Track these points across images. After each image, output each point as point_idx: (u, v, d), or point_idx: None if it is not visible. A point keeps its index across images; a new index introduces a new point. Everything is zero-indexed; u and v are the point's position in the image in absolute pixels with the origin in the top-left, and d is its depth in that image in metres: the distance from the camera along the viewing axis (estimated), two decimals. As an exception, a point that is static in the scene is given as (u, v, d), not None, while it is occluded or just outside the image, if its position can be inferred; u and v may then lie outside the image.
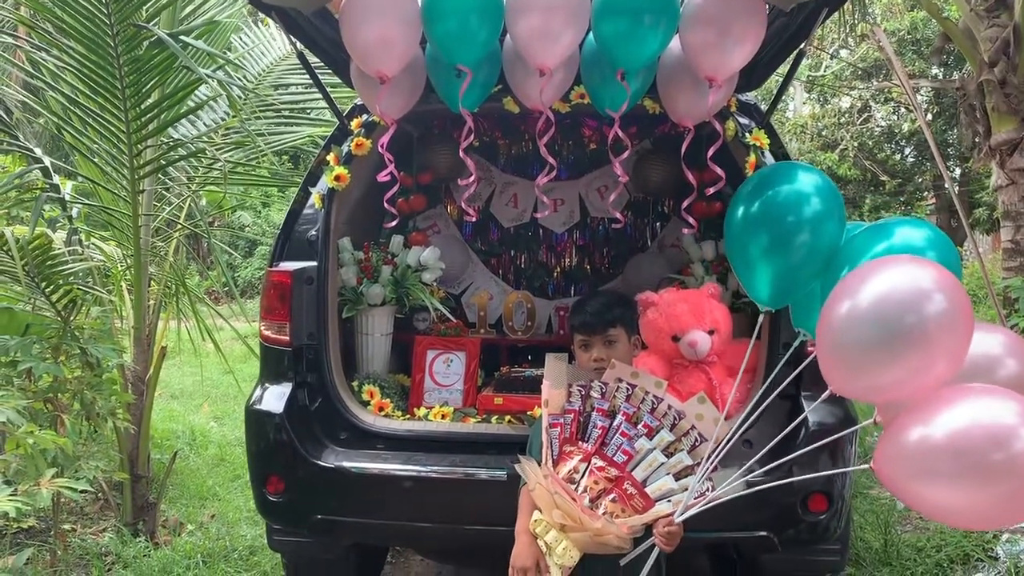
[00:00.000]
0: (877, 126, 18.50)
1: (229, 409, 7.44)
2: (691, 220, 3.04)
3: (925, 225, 2.39)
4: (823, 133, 17.82)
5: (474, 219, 4.32)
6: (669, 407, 2.22)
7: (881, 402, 2.06)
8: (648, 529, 2.16)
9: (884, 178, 17.75)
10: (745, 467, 2.45)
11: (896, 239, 2.31)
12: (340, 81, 3.48)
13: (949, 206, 16.62)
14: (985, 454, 1.74)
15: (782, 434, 2.34)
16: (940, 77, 14.44)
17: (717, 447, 2.15)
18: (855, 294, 1.97)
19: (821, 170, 3.06)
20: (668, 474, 2.13)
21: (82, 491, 4.26)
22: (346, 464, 2.95)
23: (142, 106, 3.88)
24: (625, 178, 3.08)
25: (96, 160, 4.28)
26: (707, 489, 2.10)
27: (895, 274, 1.96)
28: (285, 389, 3.04)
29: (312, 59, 3.31)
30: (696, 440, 2.16)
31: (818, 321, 2.06)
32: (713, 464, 2.13)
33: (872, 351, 1.91)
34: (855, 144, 17.46)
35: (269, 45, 4.96)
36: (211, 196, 5.57)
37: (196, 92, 4.31)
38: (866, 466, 1.97)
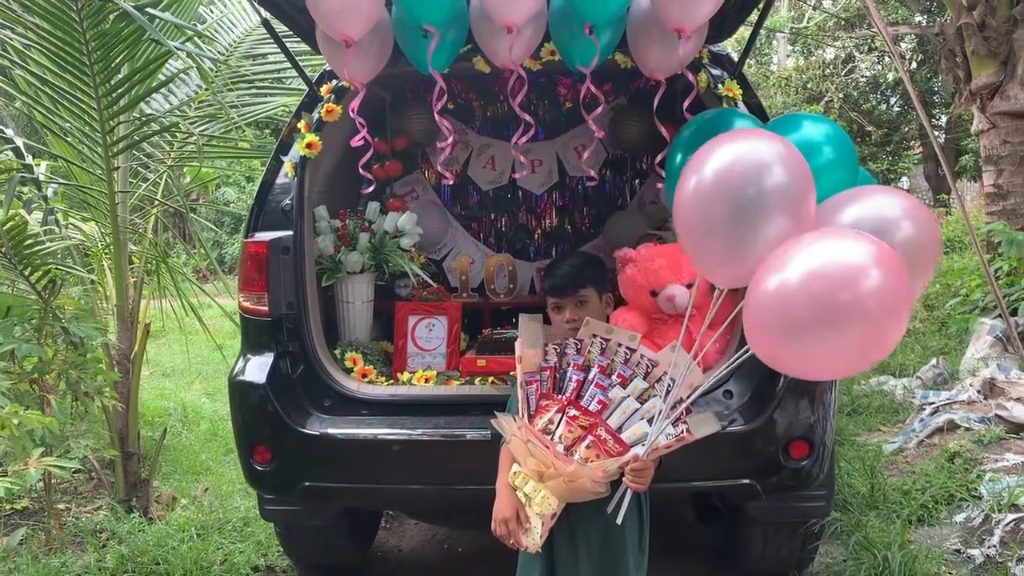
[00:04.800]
0: (862, 76, 18.45)
1: (220, 385, 7.45)
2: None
3: (825, 121, 2.40)
4: (808, 86, 17.76)
5: (451, 182, 4.30)
6: (642, 357, 2.25)
7: None
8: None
9: (870, 128, 17.74)
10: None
11: (795, 136, 2.32)
12: (310, 49, 3.45)
13: (936, 155, 16.62)
14: (833, 294, 1.72)
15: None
16: (923, 24, 14.35)
17: (689, 392, 2.17)
18: (700, 171, 1.96)
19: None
20: (643, 419, 2.15)
21: (75, 471, 4.30)
22: (331, 431, 2.96)
23: (112, 81, 3.82)
24: (600, 133, 3.08)
25: (69, 139, 4.24)
26: (682, 432, 2.12)
27: (738, 148, 1.96)
28: (267, 359, 3.05)
29: (280, 28, 3.28)
30: (669, 386, 2.18)
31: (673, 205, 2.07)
32: (684, 407, 2.15)
33: (724, 227, 1.91)
34: (840, 95, 17.43)
35: (239, 16, 4.89)
36: (193, 172, 5.53)
37: (167, 66, 4.26)
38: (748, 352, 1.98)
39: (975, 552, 3.47)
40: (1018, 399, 4.90)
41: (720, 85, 3.06)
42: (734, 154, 1.95)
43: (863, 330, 1.74)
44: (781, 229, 1.87)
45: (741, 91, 3.07)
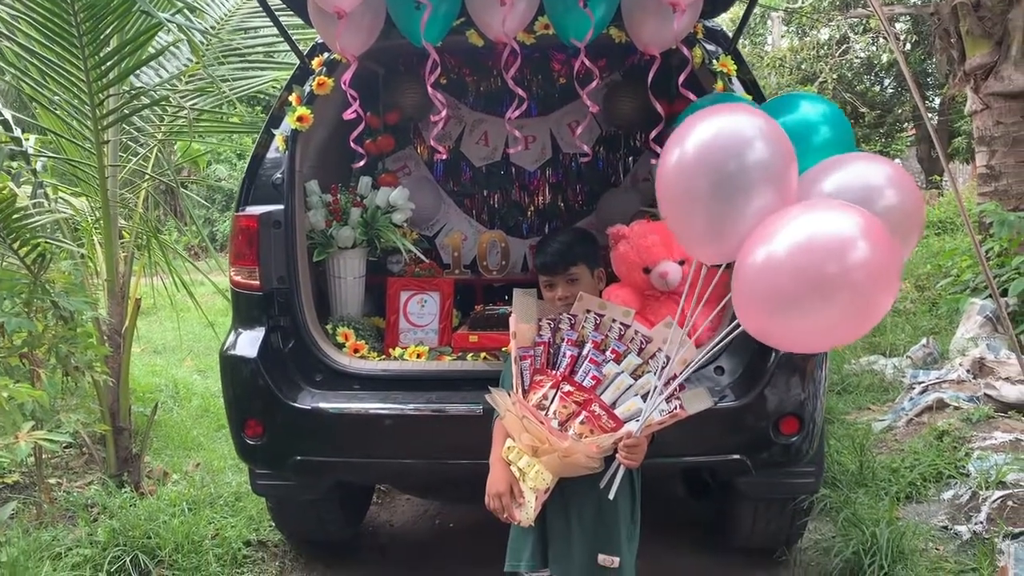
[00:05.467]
0: (856, 57, 18.38)
1: (212, 362, 7.42)
2: (659, 151, 3.03)
3: (821, 101, 2.40)
4: (802, 66, 17.67)
5: (444, 157, 4.28)
6: (636, 332, 2.25)
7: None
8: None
9: (864, 110, 17.70)
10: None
11: (793, 114, 2.32)
12: (303, 22, 3.42)
13: (929, 137, 16.61)
14: (821, 266, 1.73)
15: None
16: (918, 4, 14.29)
17: (683, 368, 2.17)
18: (682, 146, 1.97)
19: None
20: (636, 395, 2.16)
21: (65, 445, 4.29)
22: (323, 405, 2.96)
23: (101, 54, 3.78)
24: (595, 108, 3.06)
25: (58, 112, 4.19)
26: (675, 408, 2.13)
27: (719, 123, 1.97)
28: (258, 333, 3.04)
29: (273, 0, 3.24)
30: (663, 362, 2.18)
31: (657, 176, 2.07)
32: (678, 383, 2.15)
33: (706, 202, 1.92)
34: (834, 76, 17.34)
35: (230, -12, 4.83)
36: (183, 147, 5.48)
37: (157, 38, 4.21)
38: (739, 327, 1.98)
39: (962, 528, 3.50)
40: (1007, 379, 4.93)
41: (715, 61, 3.05)
42: (715, 128, 1.94)
43: (851, 301, 1.75)
44: (764, 203, 1.87)
45: (736, 67, 3.05)
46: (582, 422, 2.15)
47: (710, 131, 1.95)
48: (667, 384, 2.14)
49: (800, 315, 1.80)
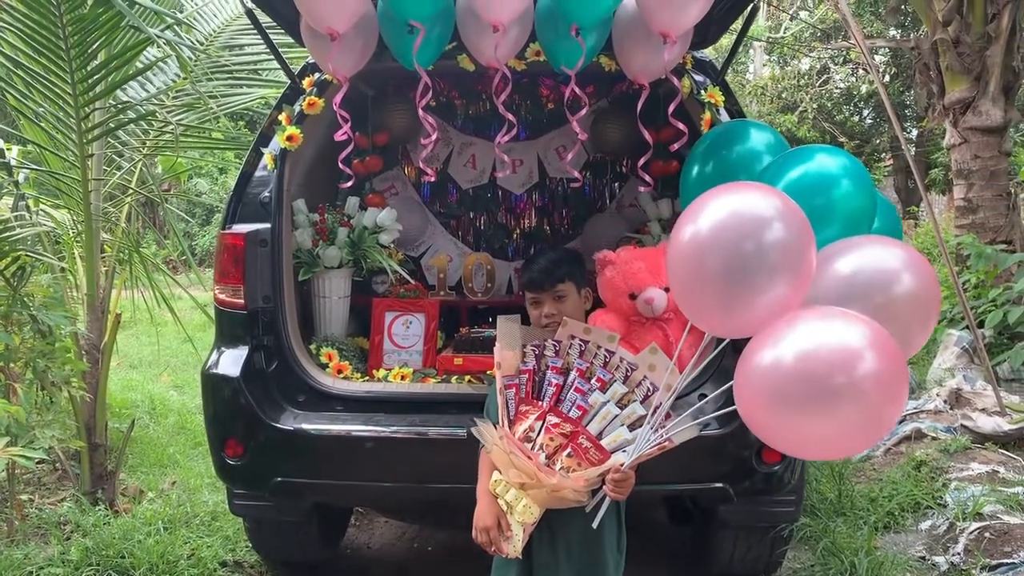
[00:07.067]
0: (836, 88, 18.64)
1: (189, 378, 7.37)
2: (647, 178, 3.06)
3: (841, 153, 2.38)
4: (783, 95, 17.90)
5: (432, 179, 4.29)
6: (621, 360, 2.25)
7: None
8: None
9: (843, 140, 17.91)
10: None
11: (811, 165, 2.31)
12: (293, 41, 3.42)
13: (906, 167, 16.82)
14: (828, 377, 1.72)
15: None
16: (897, 38, 14.54)
17: (669, 395, 2.17)
18: (696, 222, 1.94)
19: (775, 128, 3.05)
20: (623, 425, 2.16)
21: (39, 461, 4.22)
22: (305, 426, 2.94)
23: (88, 67, 3.76)
24: (583, 135, 3.07)
25: (42, 124, 4.16)
26: (662, 440, 2.12)
27: (735, 201, 1.94)
28: (241, 352, 3.02)
29: (264, 18, 3.25)
30: (648, 390, 2.18)
31: (668, 250, 2.06)
32: (664, 412, 2.15)
33: (717, 281, 1.89)
34: (814, 106, 17.58)
35: (220, 4, 4.84)
36: (165, 162, 5.46)
37: (145, 53, 4.20)
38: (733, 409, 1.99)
39: (940, 559, 3.51)
40: (983, 410, 4.98)
41: (703, 91, 3.08)
42: (732, 207, 1.93)
43: (857, 415, 1.75)
44: (781, 291, 1.87)
45: (723, 98, 3.09)
46: (569, 455, 2.14)
47: (726, 209, 1.93)
48: (662, 418, 2.14)
49: (805, 421, 1.79)
